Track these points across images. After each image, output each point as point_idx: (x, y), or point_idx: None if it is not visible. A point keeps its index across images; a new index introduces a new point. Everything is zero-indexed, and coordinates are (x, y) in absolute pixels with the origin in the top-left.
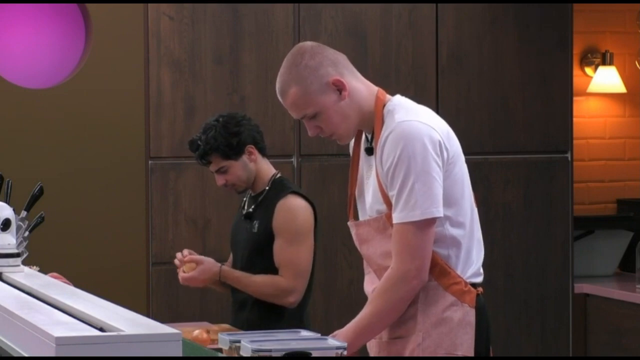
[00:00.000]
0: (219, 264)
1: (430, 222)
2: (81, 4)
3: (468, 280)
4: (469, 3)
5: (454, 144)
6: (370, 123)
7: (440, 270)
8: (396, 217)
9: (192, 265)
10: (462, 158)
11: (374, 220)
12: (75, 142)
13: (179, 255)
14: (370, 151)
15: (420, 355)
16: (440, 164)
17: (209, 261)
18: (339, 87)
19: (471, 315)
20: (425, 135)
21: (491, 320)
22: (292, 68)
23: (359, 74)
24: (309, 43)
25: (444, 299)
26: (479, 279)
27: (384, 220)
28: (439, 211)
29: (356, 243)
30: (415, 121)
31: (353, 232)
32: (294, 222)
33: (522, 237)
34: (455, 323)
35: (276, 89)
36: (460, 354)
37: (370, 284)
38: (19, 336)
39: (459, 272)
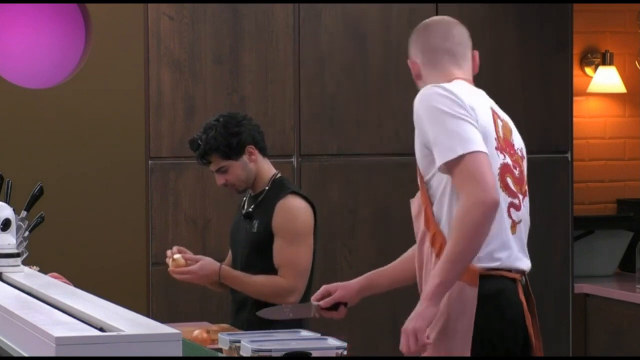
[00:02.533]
0: (219, 263)
1: (475, 155)
2: (81, 4)
3: (479, 264)
4: (469, 3)
5: (482, 118)
6: None
7: (441, 248)
8: (440, 160)
9: (180, 262)
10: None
11: (416, 198)
12: (75, 142)
13: (169, 252)
14: None
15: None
16: (466, 111)
17: (208, 259)
18: (412, 68)
19: (469, 292)
20: (442, 88)
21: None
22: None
23: (440, 66)
24: (433, 18)
25: None
26: (493, 264)
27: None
28: (475, 146)
29: None
30: (437, 85)
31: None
32: (294, 222)
33: None
34: (450, 300)
35: None
36: (456, 330)
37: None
38: (19, 336)
39: None
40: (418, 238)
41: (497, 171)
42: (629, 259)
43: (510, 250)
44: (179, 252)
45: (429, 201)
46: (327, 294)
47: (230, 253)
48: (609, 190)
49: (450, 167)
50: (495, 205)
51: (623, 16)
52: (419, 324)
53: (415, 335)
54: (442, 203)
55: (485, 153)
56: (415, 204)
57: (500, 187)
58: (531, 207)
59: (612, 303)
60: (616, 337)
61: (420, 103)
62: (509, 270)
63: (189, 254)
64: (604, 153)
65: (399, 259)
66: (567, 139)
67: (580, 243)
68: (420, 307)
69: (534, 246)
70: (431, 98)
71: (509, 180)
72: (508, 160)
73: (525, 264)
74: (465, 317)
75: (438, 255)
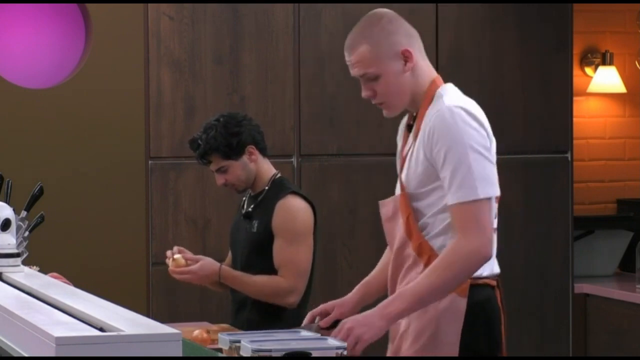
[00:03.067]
0: (219, 263)
1: (489, 202)
2: (81, 4)
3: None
4: (469, 3)
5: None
6: (418, 104)
7: (429, 259)
8: (455, 197)
9: (180, 262)
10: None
11: (393, 199)
12: (75, 142)
13: (169, 252)
14: (410, 128)
15: (406, 341)
16: (490, 143)
17: (208, 259)
18: (406, 58)
19: (460, 303)
20: (471, 116)
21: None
22: (367, 27)
23: (425, 56)
24: (387, 10)
25: None
26: (482, 272)
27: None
28: (495, 190)
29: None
30: (463, 108)
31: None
32: (294, 222)
33: (522, 237)
34: (440, 311)
35: (345, 44)
36: (444, 341)
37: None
38: (19, 336)
39: None
40: (396, 243)
41: None
42: (629, 259)
43: (493, 257)
44: (179, 252)
45: (410, 210)
46: (325, 313)
47: (230, 253)
48: (609, 190)
49: (461, 202)
50: (488, 259)
51: (623, 16)
52: (367, 336)
53: (355, 342)
54: (438, 218)
55: (496, 197)
56: (391, 206)
57: None
58: (531, 207)
59: (612, 303)
60: (616, 337)
61: (445, 124)
62: (489, 277)
63: (189, 254)
64: (604, 153)
65: (378, 268)
66: (567, 139)
67: (580, 243)
68: (377, 320)
69: (534, 246)
70: (460, 127)
71: None
72: None
73: (497, 267)
74: (454, 327)
75: (427, 265)
